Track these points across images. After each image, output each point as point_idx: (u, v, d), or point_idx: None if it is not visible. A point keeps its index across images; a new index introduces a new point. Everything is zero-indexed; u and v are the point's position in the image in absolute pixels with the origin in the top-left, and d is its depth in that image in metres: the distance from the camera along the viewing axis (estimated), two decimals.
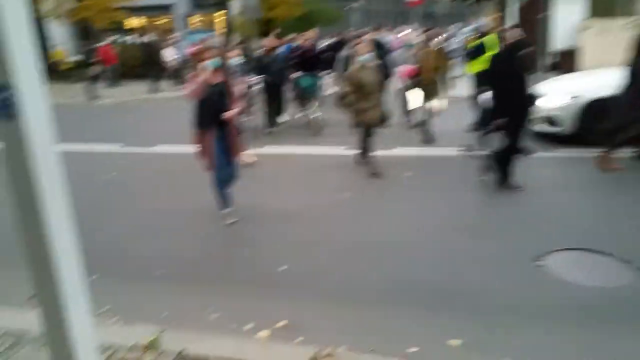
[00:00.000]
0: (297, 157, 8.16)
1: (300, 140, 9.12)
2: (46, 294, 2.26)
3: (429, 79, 8.07)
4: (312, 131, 9.55)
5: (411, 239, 4.85)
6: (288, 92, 9.97)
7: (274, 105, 9.65)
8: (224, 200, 5.36)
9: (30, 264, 2.22)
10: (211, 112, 5.04)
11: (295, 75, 9.73)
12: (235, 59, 8.88)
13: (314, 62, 9.99)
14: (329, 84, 11.38)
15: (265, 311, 3.62)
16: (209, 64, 5.00)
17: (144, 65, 17.54)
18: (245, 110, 6.99)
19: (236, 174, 5.43)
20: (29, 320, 3.31)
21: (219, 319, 3.57)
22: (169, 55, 17.17)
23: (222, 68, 5.08)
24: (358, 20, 31.29)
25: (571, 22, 14.96)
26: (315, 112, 9.78)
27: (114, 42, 19.88)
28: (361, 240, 4.85)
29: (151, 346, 3.10)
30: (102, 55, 16.94)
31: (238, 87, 6.14)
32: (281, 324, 3.43)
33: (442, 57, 8.44)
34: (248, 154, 6.84)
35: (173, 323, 3.39)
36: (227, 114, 5.09)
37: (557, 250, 4.39)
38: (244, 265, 4.48)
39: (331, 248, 4.73)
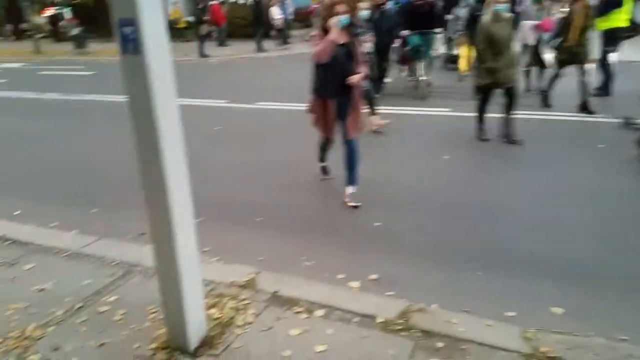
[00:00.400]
0: (404, 118, 7.95)
1: (405, 103, 8.87)
2: (159, 231, 2.41)
3: (577, 39, 7.08)
4: (418, 94, 9.07)
5: (521, 205, 4.57)
6: (394, 52, 9.33)
7: (382, 67, 8.89)
8: (353, 176, 4.80)
9: (146, 204, 2.39)
10: (337, 77, 4.44)
11: (404, 33, 8.83)
12: (364, 12, 7.70)
13: (427, 19, 8.92)
14: (439, 44, 10.70)
15: (357, 263, 3.64)
16: (339, 20, 4.26)
17: (251, 24, 17.92)
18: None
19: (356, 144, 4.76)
20: (140, 253, 3.63)
21: (312, 266, 3.63)
22: (276, 14, 17.38)
23: (351, 25, 4.40)
24: None
25: None
26: (423, 74, 9.09)
27: (223, 2, 20.49)
28: (462, 202, 4.66)
29: (248, 285, 3.24)
30: (213, 15, 17.55)
31: (363, 46, 5.44)
32: (373, 276, 3.42)
33: (590, 14, 7.32)
34: (375, 119, 6.74)
35: (269, 266, 3.51)
36: (354, 78, 4.45)
37: None
38: (339, 219, 4.50)
39: (428, 208, 4.60)
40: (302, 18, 20.52)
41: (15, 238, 4.05)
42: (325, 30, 4.31)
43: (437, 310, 2.90)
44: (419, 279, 3.43)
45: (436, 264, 3.64)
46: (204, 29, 16.70)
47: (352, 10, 4.37)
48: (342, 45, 4.36)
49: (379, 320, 2.82)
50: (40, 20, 25.48)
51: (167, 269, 2.48)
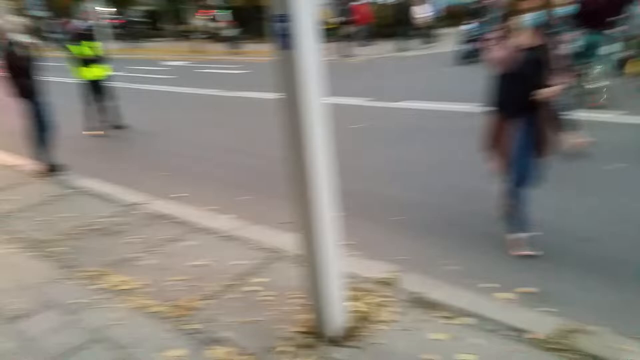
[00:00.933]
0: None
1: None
2: (303, 221, 2.49)
3: None
4: (592, 101, 7.59)
5: None
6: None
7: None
8: (518, 218, 3.73)
9: (292, 194, 2.48)
10: (522, 90, 3.46)
11: (575, 33, 7.38)
12: (562, 8, 6.39)
13: (604, 14, 7.38)
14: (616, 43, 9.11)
15: (506, 273, 3.42)
16: (528, 20, 3.37)
17: (395, 24, 17.86)
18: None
19: (539, 175, 3.67)
20: (285, 240, 3.79)
21: (456, 272, 3.49)
22: (420, 12, 17.10)
23: (543, 25, 3.47)
24: None
25: None
26: (598, 79, 7.65)
27: (372, 2, 20.66)
28: None
29: (390, 283, 3.21)
30: (359, 15, 17.79)
31: (561, 51, 4.03)
32: (524, 289, 3.18)
33: None
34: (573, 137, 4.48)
35: (411, 266, 3.45)
36: (545, 92, 3.40)
37: None
38: (489, 226, 4.25)
39: (601, 220, 4.16)
40: (455, 15, 19.84)
41: (180, 218, 4.48)
42: (508, 30, 3.46)
43: (604, 333, 2.61)
44: (584, 298, 3.13)
45: (607, 282, 3.29)
46: (350, 28, 17.02)
47: (546, 5, 3.54)
48: (532, 49, 3.39)
49: (531, 335, 2.62)
50: (199, 21, 27.92)
51: (309, 258, 2.55)
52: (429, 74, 12.21)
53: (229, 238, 4.04)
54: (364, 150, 6.63)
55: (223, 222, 4.35)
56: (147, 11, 32.72)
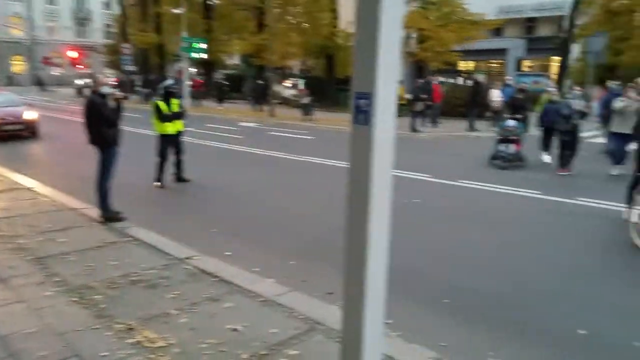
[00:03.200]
0: None
1: None
2: (353, 295, 2.40)
3: None
4: None
5: None
6: None
7: None
8: None
9: (347, 265, 2.41)
10: None
11: None
12: None
13: None
14: None
15: None
16: None
17: (467, 104, 17.85)
18: None
19: None
20: (326, 312, 3.65)
21: None
22: (496, 96, 17.06)
23: None
24: None
25: None
26: None
27: (443, 82, 20.93)
28: None
29: None
30: (434, 93, 18.00)
31: None
32: None
33: None
34: None
35: (452, 354, 3.26)
36: None
37: None
38: (545, 319, 3.94)
39: None
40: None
41: (222, 277, 4.46)
42: None
43: None
44: None
45: None
46: (420, 105, 17.19)
47: None
48: None
49: None
50: (279, 88, 29.32)
51: (351, 335, 2.42)
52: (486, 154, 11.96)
53: (270, 303, 3.95)
54: (414, 225, 6.43)
55: (266, 286, 4.29)
56: (230, 75, 34.89)
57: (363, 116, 2.20)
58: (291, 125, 19.55)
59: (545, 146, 11.35)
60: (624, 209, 6.64)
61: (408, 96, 18.12)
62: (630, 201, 6.44)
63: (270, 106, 23.09)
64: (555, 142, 10.72)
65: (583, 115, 10.34)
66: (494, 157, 10.60)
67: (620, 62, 23.16)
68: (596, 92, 14.54)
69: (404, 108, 20.16)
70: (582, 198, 7.77)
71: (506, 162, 10.30)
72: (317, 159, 11.48)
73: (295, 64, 35.12)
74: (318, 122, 20.15)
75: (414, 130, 16.70)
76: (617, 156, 9.73)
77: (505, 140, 10.53)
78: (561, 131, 9.95)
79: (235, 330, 3.51)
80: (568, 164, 9.83)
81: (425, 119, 17.80)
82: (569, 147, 9.84)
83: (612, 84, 12.92)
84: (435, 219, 6.82)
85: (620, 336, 3.74)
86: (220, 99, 28.02)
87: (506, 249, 5.67)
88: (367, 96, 2.17)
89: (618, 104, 9.46)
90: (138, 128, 14.52)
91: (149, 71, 33.55)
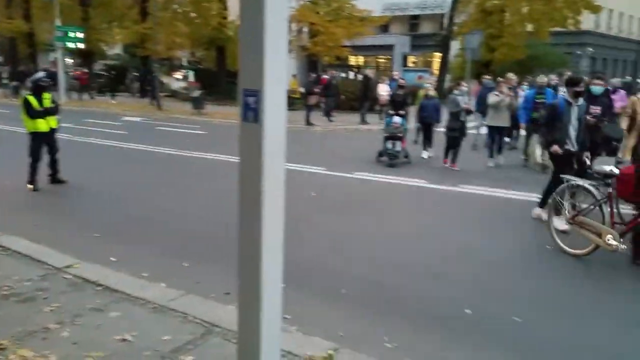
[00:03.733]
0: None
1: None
2: (248, 294, 2.31)
3: None
4: None
5: None
6: None
7: None
8: None
9: (241, 264, 2.31)
10: None
11: None
12: None
13: None
14: None
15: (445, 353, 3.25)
16: None
17: (358, 99, 18.39)
18: None
19: None
20: (223, 313, 3.51)
21: (394, 349, 3.37)
22: (384, 90, 17.74)
23: None
24: (586, 65, 28.41)
25: None
26: None
27: (335, 76, 21.37)
28: None
29: None
30: (323, 86, 18.32)
31: None
32: None
33: None
34: None
35: (349, 343, 3.30)
36: None
37: None
38: (427, 302, 4.14)
39: None
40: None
41: (107, 284, 4.12)
42: None
43: None
44: None
45: None
46: (313, 99, 17.42)
47: None
48: None
49: None
50: (168, 80, 28.13)
51: (248, 334, 2.34)
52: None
53: (162, 309, 3.72)
54: (313, 218, 6.48)
55: (157, 291, 4.03)
56: (111, 66, 32.81)
57: (252, 114, 2.13)
58: (181, 119, 18.86)
59: (416, 142, 11.82)
60: (537, 210, 6.48)
61: (301, 90, 18.28)
62: (543, 204, 6.25)
63: (156, 99, 22.04)
64: (436, 137, 11.14)
65: (469, 112, 10.63)
66: (382, 155, 10.55)
67: (494, 58, 25.16)
68: (472, 87, 15.58)
69: (298, 102, 20.36)
70: (464, 185, 8.36)
71: (394, 159, 10.26)
72: (209, 154, 11.14)
73: (183, 55, 33.87)
74: (210, 116, 19.63)
75: (308, 123, 16.89)
76: (492, 149, 10.35)
77: (392, 137, 10.38)
78: (449, 128, 10.07)
79: (124, 340, 3.25)
80: (455, 159, 10.05)
81: (319, 112, 18.05)
82: (456, 143, 10.02)
83: (486, 79, 13.91)
84: (331, 211, 6.89)
85: (502, 313, 4.03)
86: (102, 92, 26.28)
87: (399, 237, 5.85)
88: (255, 93, 2.11)
89: (492, 98, 10.06)
90: (7, 125, 13.19)
91: (18, 62, 30.52)
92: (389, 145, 10.35)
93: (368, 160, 10.68)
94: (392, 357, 3.27)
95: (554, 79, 12.09)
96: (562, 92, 9.43)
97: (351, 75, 23.57)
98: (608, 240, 4.78)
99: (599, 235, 4.90)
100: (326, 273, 4.77)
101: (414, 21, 39.35)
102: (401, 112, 10.75)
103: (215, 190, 7.78)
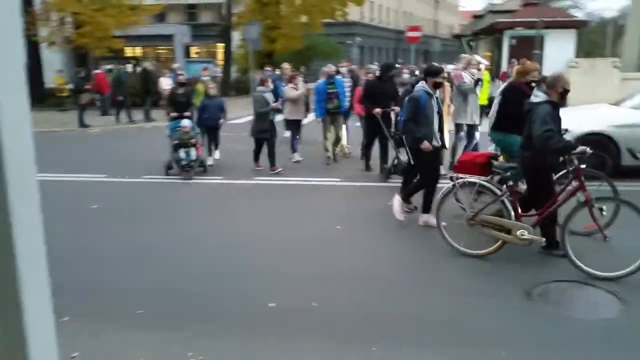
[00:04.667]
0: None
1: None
2: (9, 339, 1.96)
3: None
4: None
5: None
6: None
7: None
8: None
9: None
10: None
11: None
12: None
13: None
14: None
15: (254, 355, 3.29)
16: None
17: (139, 93, 17.25)
18: None
19: None
20: None
21: None
22: (166, 84, 16.95)
23: None
24: (357, 55, 31.68)
25: (561, 60, 16.59)
26: None
27: (109, 70, 19.76)
28: None
29: None
30: (96, 83, 16.77)
31: None
32: None
33: None
34: None
35: None
36: None
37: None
38: (241, 304, 4.14)
39: None
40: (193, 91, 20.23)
41: None
42: None
43: None
44: None
45: None
46: (85, 97, 15.76)
47: None
48: None
49: None
50: None
51: None
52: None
53: None
54: (95, 234, 5.94)
55: None
56: None
57: None
58: None
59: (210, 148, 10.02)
60: (423, 217, 5.92)
61: (70, 87, 16.47)
62: (427, 209, 5.84)
63: None
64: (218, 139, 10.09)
65: (279, 111, 9.66)
66: (170, 167, 8.74)
67: (275, 49, 26.09)
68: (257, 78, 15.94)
69: (67, 100, 18.32)
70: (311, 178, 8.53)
71: (189, 170, 8.54)
72: None
73: None
74: None
75: (83, 125, 15.21)
76: (294, 143, 9.87)
77: (183, 145, 8.59)
78: (258, 130, 8.84)
79: None
80: (274, 160, 9.00)
81: (94, 111, 16.50)
82: (270, 145, 8.90)
83: (266, 70, 14.25)
84: (117, 222, 6.37)
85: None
86: None
87: (185, 240, 5.65)
88: None
89: (292, 92, 9.56)
90: None
91: None
92: (182, 154, 8.54)
93: (157, 160, 10.08)
94: None
95: (340, 66, 11.79)
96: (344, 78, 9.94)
97: (129, 68, 21.93)
98: (522, 235, 4.65)
99: (508, 231, 4.76)
100: (116, 294, 4.36)
101: (192, 10, 38.57)
102: (186, 113, 9.16)
103: None
